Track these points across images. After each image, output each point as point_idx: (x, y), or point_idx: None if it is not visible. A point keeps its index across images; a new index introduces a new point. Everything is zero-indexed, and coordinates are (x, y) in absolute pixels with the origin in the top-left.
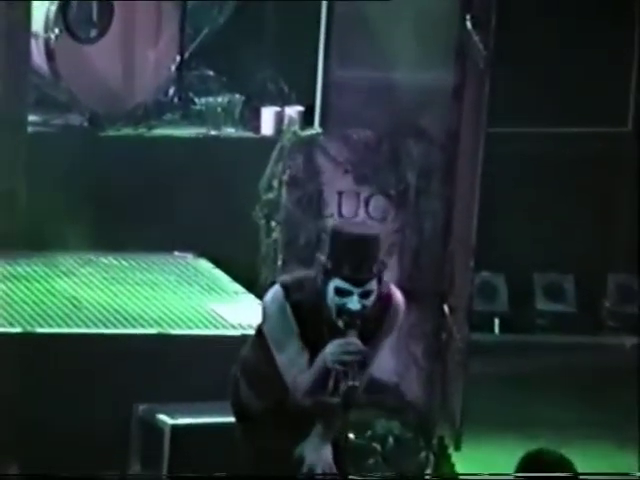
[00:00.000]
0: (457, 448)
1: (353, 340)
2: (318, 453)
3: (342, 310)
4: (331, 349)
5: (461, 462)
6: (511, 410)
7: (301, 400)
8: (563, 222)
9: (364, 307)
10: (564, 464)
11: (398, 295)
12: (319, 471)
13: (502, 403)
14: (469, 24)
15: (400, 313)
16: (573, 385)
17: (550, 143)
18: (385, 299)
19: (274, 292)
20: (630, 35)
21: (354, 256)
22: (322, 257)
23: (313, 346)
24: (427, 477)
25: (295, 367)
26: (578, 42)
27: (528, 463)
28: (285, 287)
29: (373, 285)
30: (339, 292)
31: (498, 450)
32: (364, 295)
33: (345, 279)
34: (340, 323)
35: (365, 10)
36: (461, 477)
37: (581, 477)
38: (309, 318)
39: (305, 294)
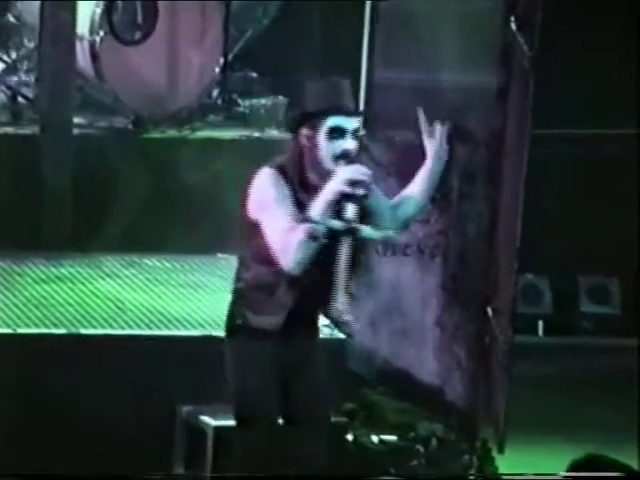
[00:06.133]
0: (500, 451)
1: (360, 166)
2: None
3: (338, 155)
4: (340, 174)
5: (504, 465)
6: (555, 413)
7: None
8: (608, 224)
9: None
10: (619, 468)
11: None
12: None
13: (546, 406)
14: (514, 25)
15: None
16: (618, 388)
17: (595, 144)
18: None
19: (263, 170)
20: None
21: (336, 92)
22: (304, 114)
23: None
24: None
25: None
26: (623, 43)
27: (580, 468)
28: (275, 166)
29: (360, 123)
30: (332, 135)
31: (542, 453)
32: (354, 133)
33: (337, 115)
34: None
35: (409, 11)
36: (504, 477)
37: None
38: (301, 185)
39: (293, 162)
